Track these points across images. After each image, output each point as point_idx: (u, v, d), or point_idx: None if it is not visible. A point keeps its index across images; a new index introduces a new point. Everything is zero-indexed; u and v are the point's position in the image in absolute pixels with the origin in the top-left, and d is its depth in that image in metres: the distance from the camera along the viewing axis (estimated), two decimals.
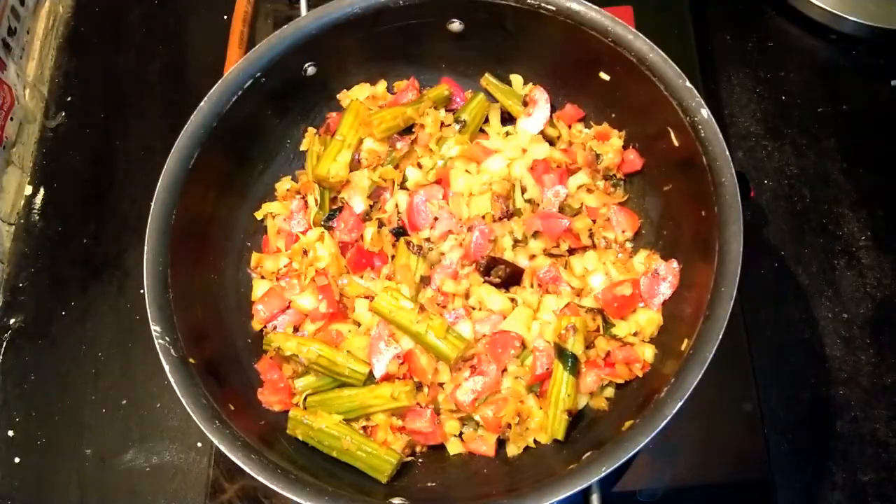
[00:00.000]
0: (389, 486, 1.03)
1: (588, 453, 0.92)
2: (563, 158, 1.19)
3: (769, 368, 1.23)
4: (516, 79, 1.26)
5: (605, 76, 1.15)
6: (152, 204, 1.03)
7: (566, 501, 0.90)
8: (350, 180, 1.19)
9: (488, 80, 1.26)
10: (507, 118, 1.26)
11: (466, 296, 1.13)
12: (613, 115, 1.21)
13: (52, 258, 1.41)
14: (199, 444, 1.24)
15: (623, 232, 1.18)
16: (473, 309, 1.12)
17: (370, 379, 1.08)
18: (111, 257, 1.40)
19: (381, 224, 1.18)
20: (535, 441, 1.06)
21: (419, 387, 1.09)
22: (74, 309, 1.36)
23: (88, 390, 1.30)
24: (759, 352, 1.22)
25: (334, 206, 1.19)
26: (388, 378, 1.07)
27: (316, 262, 1.16)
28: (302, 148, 1.26)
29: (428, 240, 1.14)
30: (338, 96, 1.26)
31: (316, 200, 1.20)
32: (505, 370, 1.09)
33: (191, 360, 0.98)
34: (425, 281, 1.14)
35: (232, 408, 0.98)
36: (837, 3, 1.42)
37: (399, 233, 1.16)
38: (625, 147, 1.20)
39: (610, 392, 1.09)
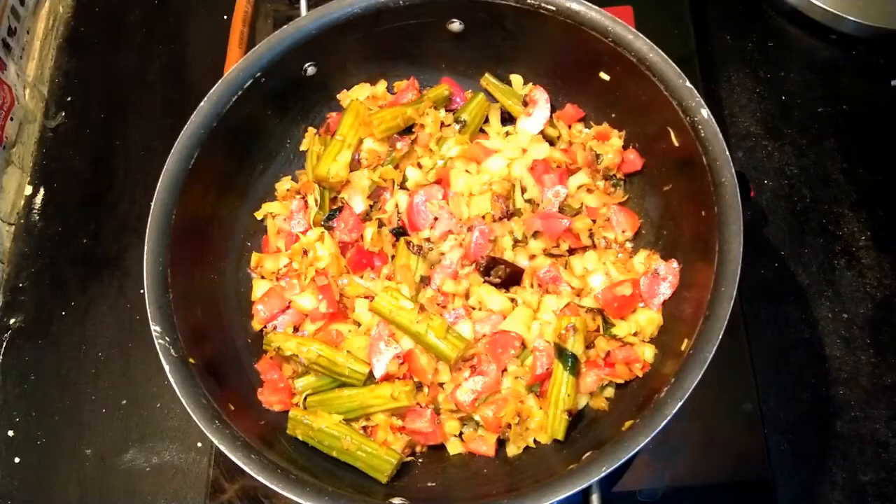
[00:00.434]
0: (389, 486, 1.03)
1: (588, 453, 0.92)
2: (563, 158, 1.19)
3: (769, 368, 1.23)
4: (516, 79, 1.26)
5: (605, 76, 1.15)
6: (152, 204, 1.03)
7: (566, 501, 0.90)
8: (350, 180, 1.19)
9: (488, 80, 1.26)
10: (507, 118, 1.26)
11: (466, 296, 1.13)
12: (613, 115, 1.21)
13: (52, 258, 1.41)
14: (199, 444, 1.24)
15: (623, 232, 1.18)
16: (473, 309, 1.12)
17: (370, 379, 1.08)
18: (111, 257, 1.40)
19: (381, 224, 1.18)
20: (535, 441, 1.06)
21: (419, 387, 1.09)
22: (74, 309, 1.36)
23: (88, 390, 1.30)
24: (759, 352, 1.22)
25: (334, 206, 1.19)
26: (388, 378, 1.07)
27: (316, 262, 1.16)
28: (302, 148, 1.26)
29: (428, 240, 1.14)
30: (338, 96, 1.26)
31: (316, 200, 1.20)
32: (505, 370, 1.09)
33: (191, 360, 0.98)
34: (425, 281, 1.14)
35: (232, 408, 0.98)
36: (837, 3, 1.42)
37: (399, 233, 1.16)
38: (625, 147, 1.20)
39: (610, 392, 1.09)
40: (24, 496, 1.25)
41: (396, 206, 1.18)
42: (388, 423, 1.07)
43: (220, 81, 1.09)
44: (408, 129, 1.23)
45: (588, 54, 1.12)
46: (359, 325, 1.13)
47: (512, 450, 1.07)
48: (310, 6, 1.20)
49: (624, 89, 1.13)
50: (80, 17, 1.63)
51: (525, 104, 1.24)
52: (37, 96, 1.53)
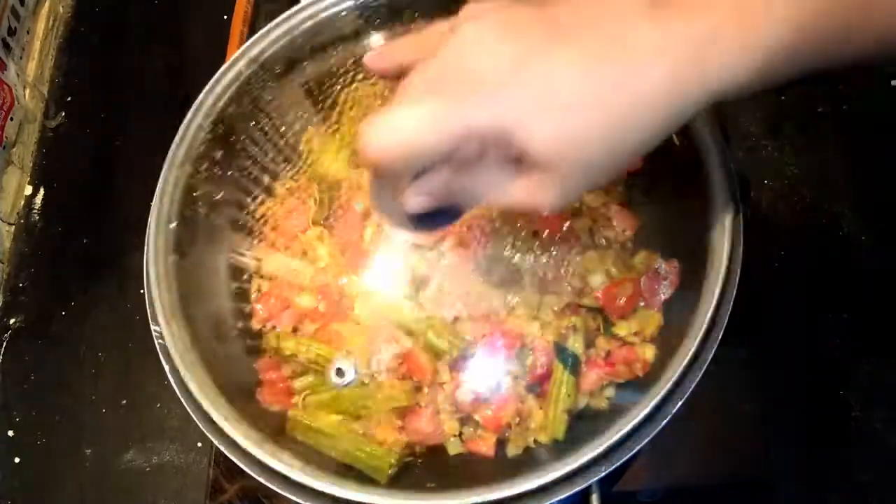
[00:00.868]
0: (389, 487, 1.03)
1: (588, 453, 0.92)
2: None
3: (769, 368, 1.23)
4: None
5: None
6: (152, 204, 1.03)
7: (566, 501, 0.90)
8: (350, 179, 1.18)
9: None
10: None
11: (466, 294, 1.12)
12: None
13: (52, 258, 1.41)
14: (199, 444, 1.24)
15: (623, 231, 1.18)
16: (473, 308, 1.12)
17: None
18: (111, 257, 1.39)
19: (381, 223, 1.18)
20: (535, 441, 1.06)
21: (419, 387, 1.09)
22: (74, 309, 1.36)
23: (88, 390, 1.30)
24: (758, 351, 1.22)
25: (334, 206, 1.19)
26: (387, 378, 1.07)
27: (315, 262, 1.16)
28: (302, 147, 1.26)
29: None
30: (338, 93, 1.26)
31: (315, 199, 1.20)
32: (505, 370, 1.09)
33: (191, 360, 0.98)
34: (425, 281, 1.14)
35: (232, 408, 0.98)
36: None
37: None
38: None
39: (610, 392, 1.09)
40: (24, 496, 1.25)
41: None
42: (388, 423, 1.07)
43: (216, 75, 1.09)
44: None
45: None
46: (359, 325, 1.13)
47: (512, 450, 1.07)
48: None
49: None
50: (80, 17, 1.63)
51: None
52: (37, 96, 1.53)
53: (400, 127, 0.68)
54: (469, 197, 0.75)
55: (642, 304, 1.11)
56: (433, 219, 0.84)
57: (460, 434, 1.12)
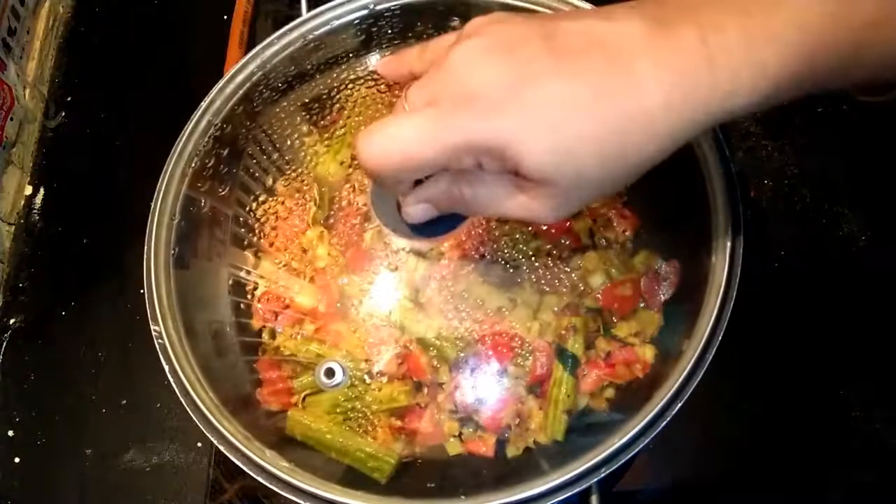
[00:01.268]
0: (388, 487, 1.03)
1: (588, 454, 0.92)
2: None
3: (769, 368, 1.23)
4: None
5: None
6: (152, 204, 1.03)
7: (566, 502, 0.90)
8: (350, 179, 1.18)
9: None
10: None
11: (466, 295, 1.12)
12: None
13: (52, 258, 1.41)
14: (199, 444, 1.24)
15: (623, 231, 1.18)
16: (473, 309, 1.12)
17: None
18: (111, 257, 1.39)
19: None
20: (534, 441, 1.06)
21: (419, 387, 1.09)
22: (74, 309, 1.36)
23: (88, 390, 1.30)
24: (759, 351, 1.22)
25: (334, 206, 1.19)
26: (387, 378, 1.07)
27: (315, 262, 1.16)
28: (303, 148, 1.26)
29: None
30: (338, 94, 1.26)
31: (315, 200, 1.20)
32: (505, 370, 1.09)
33: (191, 360, 0.98)
34: (425, 281, 1.14)
35: (232, 408, 0.98)
36: None
37: None
38: None
39: (610, 392, 1.09)
40: (24, 496, 1.25)
41: None
42: (388, 423, 1.07)
43: (221, 80, 1.09)
44: None
45: None
46: (358, 325, 1.13)
47: (512, 450, 1.07)
48: (310, 6, 1.21)
49: None
50: (80, 17, 1.63)
51: None
52: (37, 96, 1.53)
53: (396, 137, 0.68)
54: (468, 206, 0.76)
55: (642, 304, 1.12)
56: (433, 226, 0.84)
57: (460, 434, 1.13)
